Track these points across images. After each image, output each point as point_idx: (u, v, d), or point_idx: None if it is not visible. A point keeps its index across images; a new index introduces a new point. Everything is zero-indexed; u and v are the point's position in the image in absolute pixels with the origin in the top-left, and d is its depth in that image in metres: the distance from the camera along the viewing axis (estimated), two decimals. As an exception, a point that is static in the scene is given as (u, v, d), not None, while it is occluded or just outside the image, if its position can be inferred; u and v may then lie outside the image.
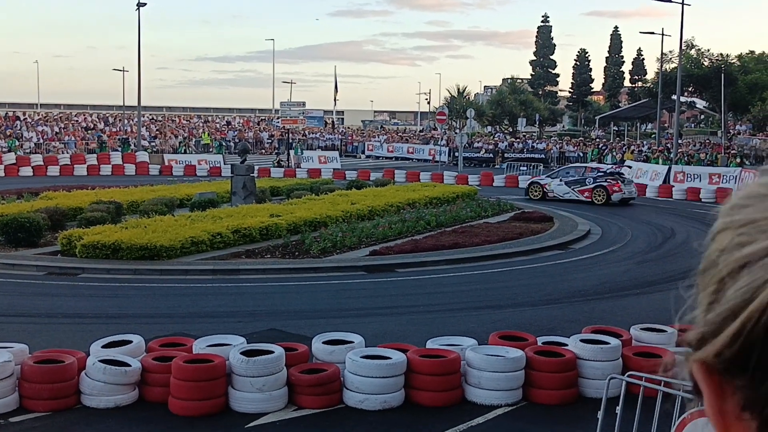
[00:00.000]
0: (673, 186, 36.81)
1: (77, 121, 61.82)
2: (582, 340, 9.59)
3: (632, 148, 53.39)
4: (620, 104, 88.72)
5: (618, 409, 6.75)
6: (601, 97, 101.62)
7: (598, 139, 64.71)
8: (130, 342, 9.44)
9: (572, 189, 31.67)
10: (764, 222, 0.70)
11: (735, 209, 0.74)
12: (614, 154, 50.04)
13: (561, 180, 32.43)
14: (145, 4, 48.81)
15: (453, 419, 8.52)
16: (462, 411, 8.76)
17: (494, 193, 33.71)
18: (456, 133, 60.11)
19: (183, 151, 53.34)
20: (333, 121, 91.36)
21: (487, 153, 55.38)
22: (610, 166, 38.76)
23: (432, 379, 8.87)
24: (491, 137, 67.84)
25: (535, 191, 32.66)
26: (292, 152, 49.16)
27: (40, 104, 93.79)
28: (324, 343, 9.43)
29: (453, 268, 17.88)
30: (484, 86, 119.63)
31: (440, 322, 12.67)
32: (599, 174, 31.96)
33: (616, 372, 8.55)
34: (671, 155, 44.72)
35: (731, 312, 0.69)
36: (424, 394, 8.88)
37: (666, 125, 73.24)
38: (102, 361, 8.67)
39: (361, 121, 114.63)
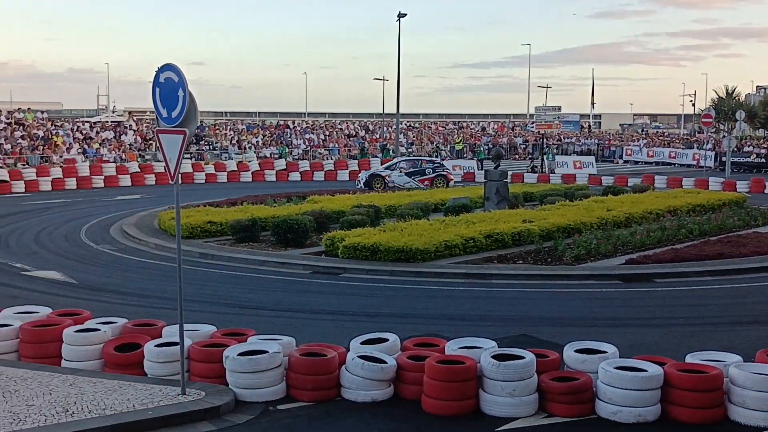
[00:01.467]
0: None
1: (341, 128, 65.27)
2: None
3: None
4: None
5: None
6: None
7: None
8: (386, 340, 9.84)
9: (413, 179, 36.66)
10: None
11: None
12: None
13: (401, 171, 37.06)
14: (406, 14, 50.57)
15: (714, 439, 8.05)
16: (724, 431, 8.25)
17: (766, 200, 31.42)
18: (723, 136, 56.61)
19: (437, 157, 54.61)
20: (590, 125, 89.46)
21: (758, 158, 51.60)
22: (440, 159, 44.92)
23: (691, 395, 8.42)
24: (763, 141, 63.13)
25: (378, 183, 36.38)
26: (545, 157, 48.75)
27: (308, 113, 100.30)
28: (576, 351, 9.28)
29: (717, 279, 16.86)
30: (757, 86, 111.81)
31: (701, 337, 12.01)
32: (435, 165, 38.33)
33: None
34: None
35: None
36: (682, 410, 8.46)
37: None
38: (361, 357, 9.12)
39: (620, 124, 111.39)
